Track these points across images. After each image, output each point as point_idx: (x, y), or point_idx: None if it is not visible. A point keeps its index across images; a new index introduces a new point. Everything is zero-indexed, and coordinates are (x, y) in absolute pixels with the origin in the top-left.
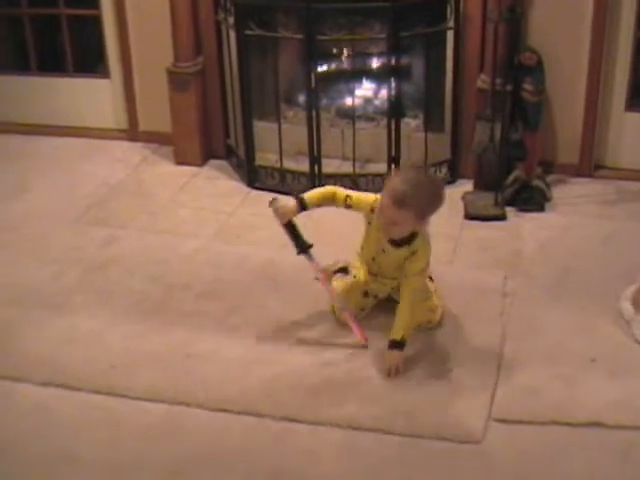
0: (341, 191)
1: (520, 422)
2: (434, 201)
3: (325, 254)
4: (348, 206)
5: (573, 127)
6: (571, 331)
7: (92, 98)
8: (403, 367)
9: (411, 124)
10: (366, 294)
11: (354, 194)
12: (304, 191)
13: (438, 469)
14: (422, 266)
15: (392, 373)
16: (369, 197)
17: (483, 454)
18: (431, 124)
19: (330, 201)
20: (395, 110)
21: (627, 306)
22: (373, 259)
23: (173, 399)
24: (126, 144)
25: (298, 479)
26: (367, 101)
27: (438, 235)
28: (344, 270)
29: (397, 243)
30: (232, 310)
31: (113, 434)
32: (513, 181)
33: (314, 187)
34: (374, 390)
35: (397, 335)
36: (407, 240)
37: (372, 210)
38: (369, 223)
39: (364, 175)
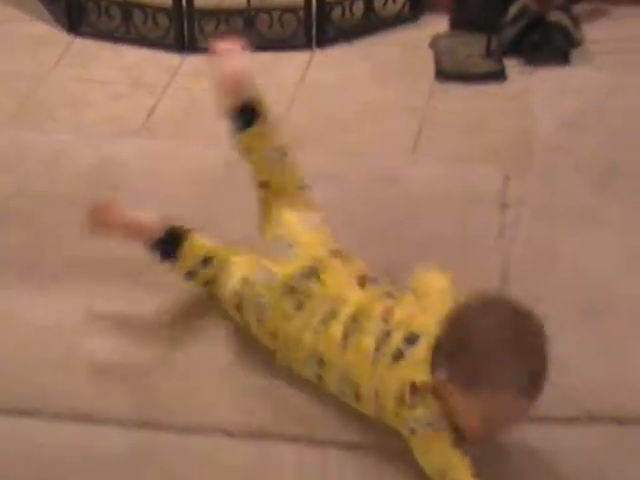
0: None
1: (540, 419)
2: None
3: None
4: None
5: None
6: (616, 263)
7: None
8: None
9: None
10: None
11: None
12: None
13: None
14: None
15: None
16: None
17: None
18: None
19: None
20: None
21: None
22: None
23: None
24: None
25: None
26: None
27: (395, 108)
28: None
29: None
30: (32, 249)
31: None
32: (518, 14)
33: (181, 32)
34: None
35: None
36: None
37: None
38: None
39: (266, 10)
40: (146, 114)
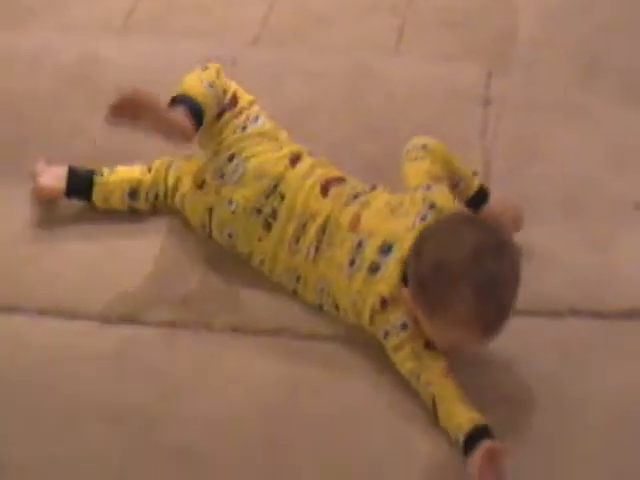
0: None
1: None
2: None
3: None
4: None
5: None
6: (599, 159)
7: None
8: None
9: None
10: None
11: None
12: None
13: None
14: None
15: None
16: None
17: None
18: None
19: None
20: None
21: None
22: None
23: None
24: None
25: None
26: None
27: (377, 6)
28: None
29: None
30: (15, 146)
31: None
32: None
33: None
34: None
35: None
36: None
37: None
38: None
39: None
40: (127, 12)
